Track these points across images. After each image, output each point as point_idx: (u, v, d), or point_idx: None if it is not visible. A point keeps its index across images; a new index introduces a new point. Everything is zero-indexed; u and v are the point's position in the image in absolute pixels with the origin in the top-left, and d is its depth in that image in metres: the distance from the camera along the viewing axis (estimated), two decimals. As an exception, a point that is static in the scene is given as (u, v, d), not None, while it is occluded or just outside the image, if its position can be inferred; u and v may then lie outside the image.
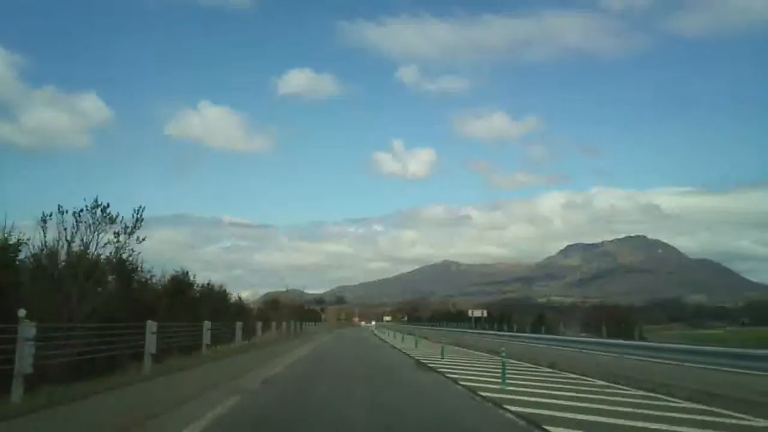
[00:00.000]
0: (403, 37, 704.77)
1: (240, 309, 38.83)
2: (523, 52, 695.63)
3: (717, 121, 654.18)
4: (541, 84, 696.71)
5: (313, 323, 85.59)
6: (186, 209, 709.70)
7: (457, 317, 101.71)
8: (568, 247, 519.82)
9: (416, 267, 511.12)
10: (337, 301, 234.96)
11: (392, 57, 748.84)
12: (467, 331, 61.74)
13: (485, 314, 79.26)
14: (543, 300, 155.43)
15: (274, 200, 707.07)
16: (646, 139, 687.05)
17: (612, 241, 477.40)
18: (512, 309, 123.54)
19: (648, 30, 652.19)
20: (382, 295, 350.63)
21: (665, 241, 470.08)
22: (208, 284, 31.25)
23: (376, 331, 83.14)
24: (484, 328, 68.19)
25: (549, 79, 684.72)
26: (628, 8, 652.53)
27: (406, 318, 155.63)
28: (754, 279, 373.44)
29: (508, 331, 54.25)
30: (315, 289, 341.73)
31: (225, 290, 34.91)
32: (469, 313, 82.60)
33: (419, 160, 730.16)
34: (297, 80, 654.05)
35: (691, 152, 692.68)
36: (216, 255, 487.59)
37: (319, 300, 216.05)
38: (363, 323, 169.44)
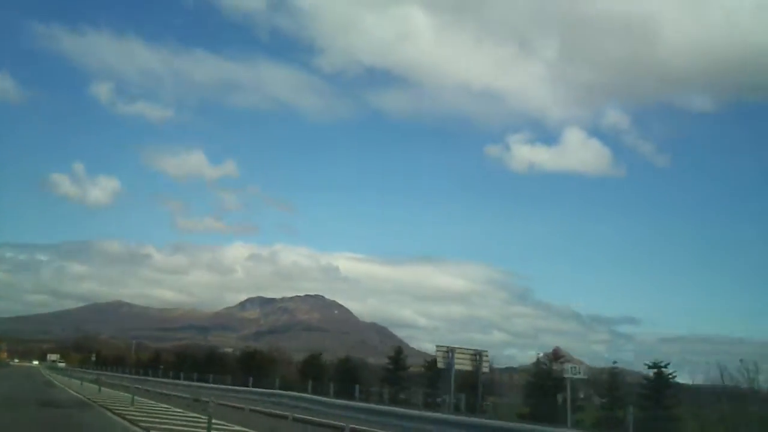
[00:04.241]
0: (103, 52, 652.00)
1: None
2: (231, 95, 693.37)
3: (395, 198, 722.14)
4: (244, 130, 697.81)
5: None
6: None
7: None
8: (248, 299, 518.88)
9: (83, 304, 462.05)
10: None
11: (87, 71, 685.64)
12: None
13: None
14: (230, 350, 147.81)
15: None
16: (333, 203, 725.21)
17: (292, 297, 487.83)
18: (192, 356, 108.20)
19: (355, 100, 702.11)
20: (39, 331, 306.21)
21: (341, 302, 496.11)
22: None
23: (54, 379, 58.81)
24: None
25: (252, 127, 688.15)
26: (338, 74, 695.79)
27: (94, 358, 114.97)
28: (413, 345, 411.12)
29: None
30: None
31: None
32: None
33: (101, 189, 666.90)
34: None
35: (369, 222, 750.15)
36: None
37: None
38: (36, 362, 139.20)
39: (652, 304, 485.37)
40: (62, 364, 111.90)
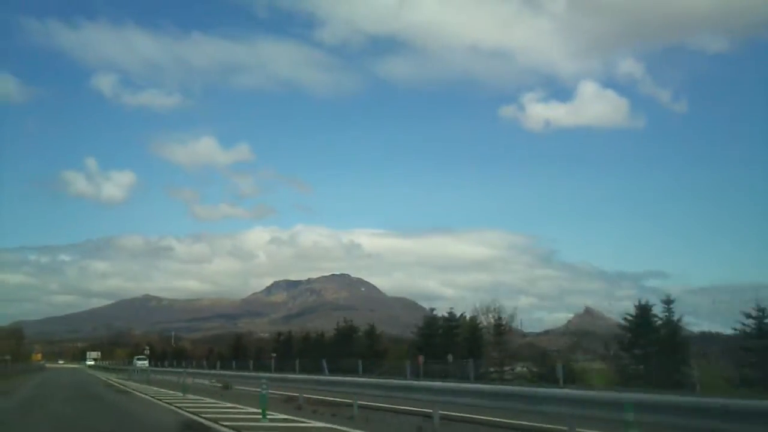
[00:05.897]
0: (101, 44, 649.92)
1: None
2: (235, 77, 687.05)
3: (410, 169, 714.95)
4: (253, 113, 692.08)
5: None
6: None
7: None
8: (274, 283, 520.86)
9: (111, 301, 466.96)
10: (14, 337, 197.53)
11: (88, 64, 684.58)
12: None
13: None
14: (265, 335, 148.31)
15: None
16: (349, 179, 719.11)
17: (317, 278, 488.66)
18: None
19: (361, 71, 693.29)
20: (71, 331, 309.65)
21: (366, 279, 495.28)
22: None
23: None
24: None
25: (260, 108, 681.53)
26: (341, 46, 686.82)
27: (147, 351, 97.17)
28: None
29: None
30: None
31: None
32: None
33: (116, 184, 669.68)
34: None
35: (387, 195, 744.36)
36: None
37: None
38: (90, 362, 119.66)
39: (679, 257, 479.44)
40: (143, 362, 77.17)
